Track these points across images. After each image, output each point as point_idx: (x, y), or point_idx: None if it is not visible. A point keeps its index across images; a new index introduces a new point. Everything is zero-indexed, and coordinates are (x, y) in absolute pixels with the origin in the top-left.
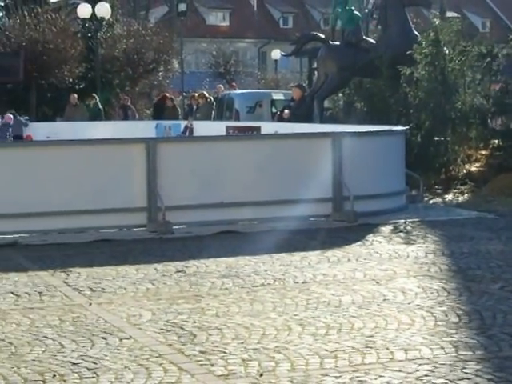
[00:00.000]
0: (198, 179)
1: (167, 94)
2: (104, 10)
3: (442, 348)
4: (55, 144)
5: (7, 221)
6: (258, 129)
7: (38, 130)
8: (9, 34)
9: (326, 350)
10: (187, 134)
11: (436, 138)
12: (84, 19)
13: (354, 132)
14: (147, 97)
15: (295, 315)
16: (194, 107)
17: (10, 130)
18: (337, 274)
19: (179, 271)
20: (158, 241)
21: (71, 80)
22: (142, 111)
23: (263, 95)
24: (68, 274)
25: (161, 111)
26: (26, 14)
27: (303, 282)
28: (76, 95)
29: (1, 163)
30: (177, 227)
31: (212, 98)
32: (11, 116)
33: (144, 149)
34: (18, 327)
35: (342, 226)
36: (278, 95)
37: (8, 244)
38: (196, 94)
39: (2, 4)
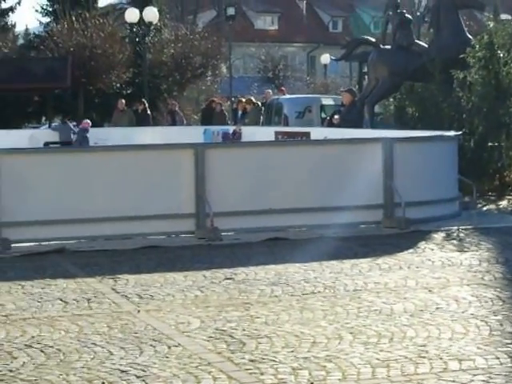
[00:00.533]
0: (247, 185)
1: (215, 99)
2: (152, 15)
3: (497, 358)
4: (103, 149)
5: (55, 227)
6: (307, 134)
7: (92, 136)
8: (57, 39)
9: (378, 359)
10: (234, 138)
11: (490, 144)
12: (132, 24)
13: (406, 137)
14: (195, 102)
15: (346, 323)
16: (239, 112)
17: (88, 135)
18: (388, 282)
19: (228, 278)
20: (207, 247)
21: (119, 85)
22: (189, 116)
23: (312, 100)
24: (116, 281)
25: (209, 116)
26: (74, 19)
27: (354, 290)
28: (123, 100)
29: (48, 169)
30: (225, 234)
31: (260, 103)
32: (89, 121)
33: (192, 154)
34: (66, 334)
35: (393, 232)
36: (327, 100)
37: (56, 250)
38: (243, 100)
39: (50, 9)
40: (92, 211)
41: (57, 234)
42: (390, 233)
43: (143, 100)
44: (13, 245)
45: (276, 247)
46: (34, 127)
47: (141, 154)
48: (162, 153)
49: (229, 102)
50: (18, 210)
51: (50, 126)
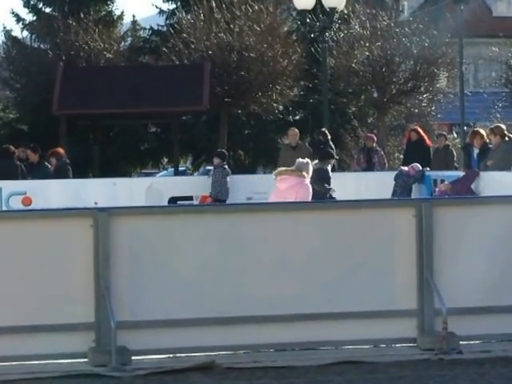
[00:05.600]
0: (494, 265)
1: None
2: None
3: None
4: (265, 208)
5: (197, 330)
6: None
7: (235, 185)
8: (187, 36)
9: None
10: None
11: None
12: (303, 12)
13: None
14: (401, 132)
15: None
16: (475, 150)
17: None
18: None
19: None
20: (438, 364)
21: (281, 108)
22: (391, 155)
23: None
24: None
25: (421, 154)
26: (214, 5)
27: None
28: (296, 130)
29: (183, 239)
30: (465, 342)
31: None
32: (418, 166)
33: (412, 216)
34: None
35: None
36: None
37: (200, 366)
38: (480, 130)
39: None
40: (254, 306)
41: (200, 341)
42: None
43: (323, 130)
44: (134, 357)
45: None
46: (149, 173)
47: (333, 216)
48: (377, 212)
49: (455, 134)
50: (139, 304)
51: (175, 171)
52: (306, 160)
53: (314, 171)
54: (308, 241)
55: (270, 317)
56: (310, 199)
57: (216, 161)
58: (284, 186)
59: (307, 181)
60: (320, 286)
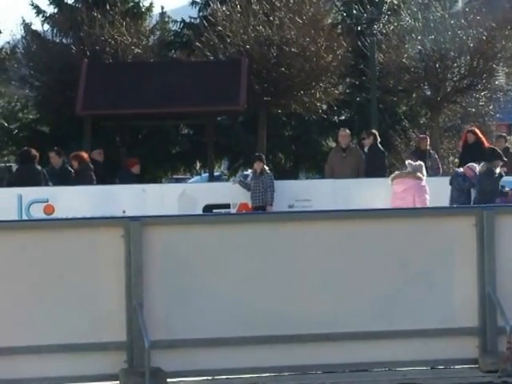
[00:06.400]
0: None
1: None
2: None
3: None
4: (309, 217)
5: (239, 350)
6: None
7: (275, 192)
8: (222, 29)
9: None
10: None
11: None
12: (349, 2)
13: None
14: (456, 134)
15: None
16: None
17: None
18: None
19: None
20: None
21: (325, 107)
22: (445, 159)
23: None
24: None
25: (479, 158)
26: None
27: None
28: (348, 130)
29: (220, 251)
30: None
31: None
32: (475, 166)
33: (472, 225)
34: None
35: (495, 382)
36: None
37: None
38: None
39: None
40: (300, 323)
41: (241, 362)
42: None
43: (372, 131)
44: (169, 379)
45: None
46: (181, 179)
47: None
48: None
49: None
50: (174, 322)
51: (210, 177)
52: (419, 162)
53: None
54: (358, 252)
55: (317, 335)
56: (428, 201)
57: (258, 165)
58: (401, 188)
59: (424, 182)
60: (372, 301)
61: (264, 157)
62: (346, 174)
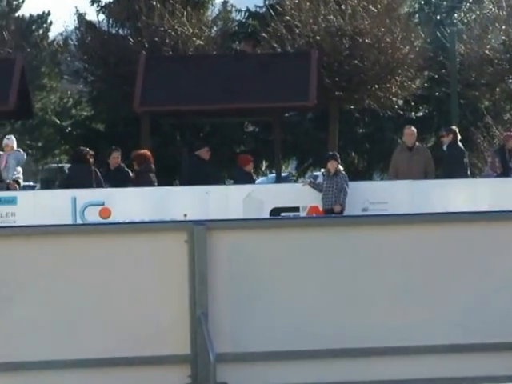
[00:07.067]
0: None
1: None
2: None
3: None
4: (385, 221)
5: (314, 364)
6: None
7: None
8: (290, 19)
9: None
10: None
11: None
12: None
13: None
14: None
15: None
16: None
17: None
18: None
19: None
20: None
21: (401, 102)
22: None
23: None
24: None
25: None
26: None
27: None
28: (414, 128)
29: (290, 258)
30: None
31: None
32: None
33: None
34: None
35: None
36: None
37: None
38: None
39: None
40: (377, 335)
41: (315, 377)
42: None
43: (452, 128)
44: None
45: None
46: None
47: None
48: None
49: None
50: (242, 333)
51: (277, 178)
52: None
53: None
54: (437, 259)
55: (396, 349)
56: None
57: (332, 165)
58: None
59: None
60: (452, 312)
61: (338, 156)
62: (413, 175)
